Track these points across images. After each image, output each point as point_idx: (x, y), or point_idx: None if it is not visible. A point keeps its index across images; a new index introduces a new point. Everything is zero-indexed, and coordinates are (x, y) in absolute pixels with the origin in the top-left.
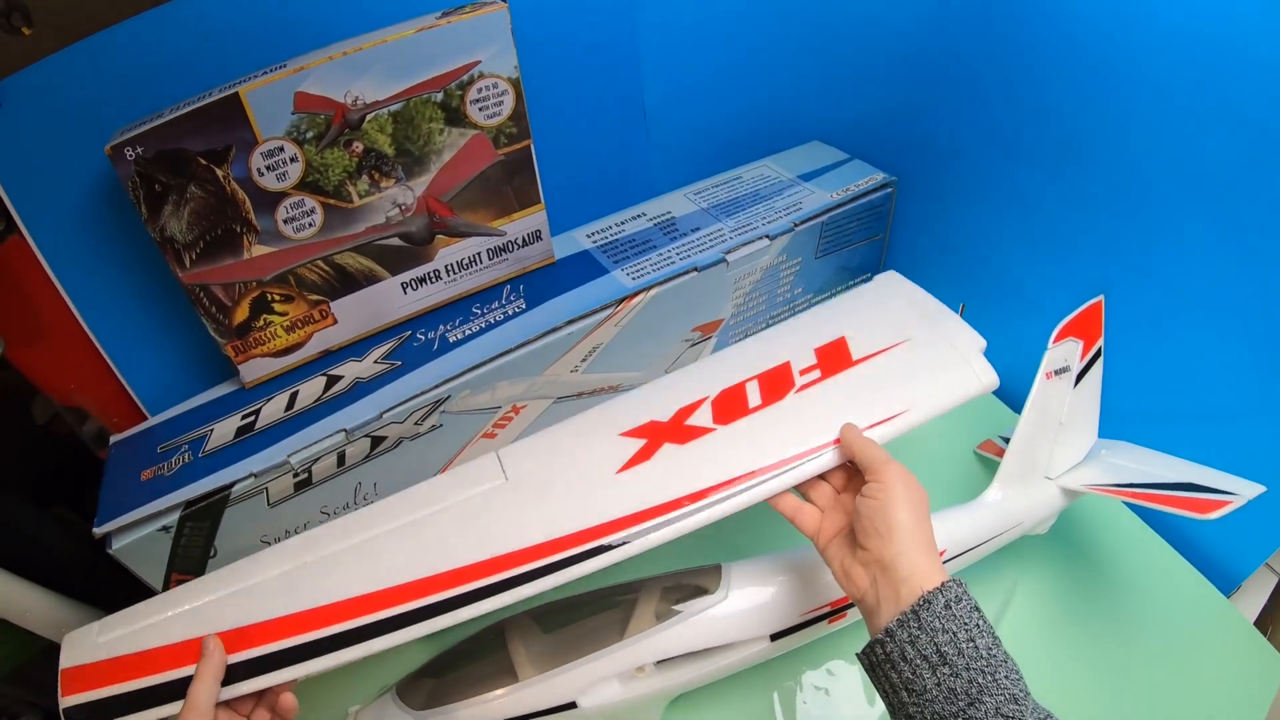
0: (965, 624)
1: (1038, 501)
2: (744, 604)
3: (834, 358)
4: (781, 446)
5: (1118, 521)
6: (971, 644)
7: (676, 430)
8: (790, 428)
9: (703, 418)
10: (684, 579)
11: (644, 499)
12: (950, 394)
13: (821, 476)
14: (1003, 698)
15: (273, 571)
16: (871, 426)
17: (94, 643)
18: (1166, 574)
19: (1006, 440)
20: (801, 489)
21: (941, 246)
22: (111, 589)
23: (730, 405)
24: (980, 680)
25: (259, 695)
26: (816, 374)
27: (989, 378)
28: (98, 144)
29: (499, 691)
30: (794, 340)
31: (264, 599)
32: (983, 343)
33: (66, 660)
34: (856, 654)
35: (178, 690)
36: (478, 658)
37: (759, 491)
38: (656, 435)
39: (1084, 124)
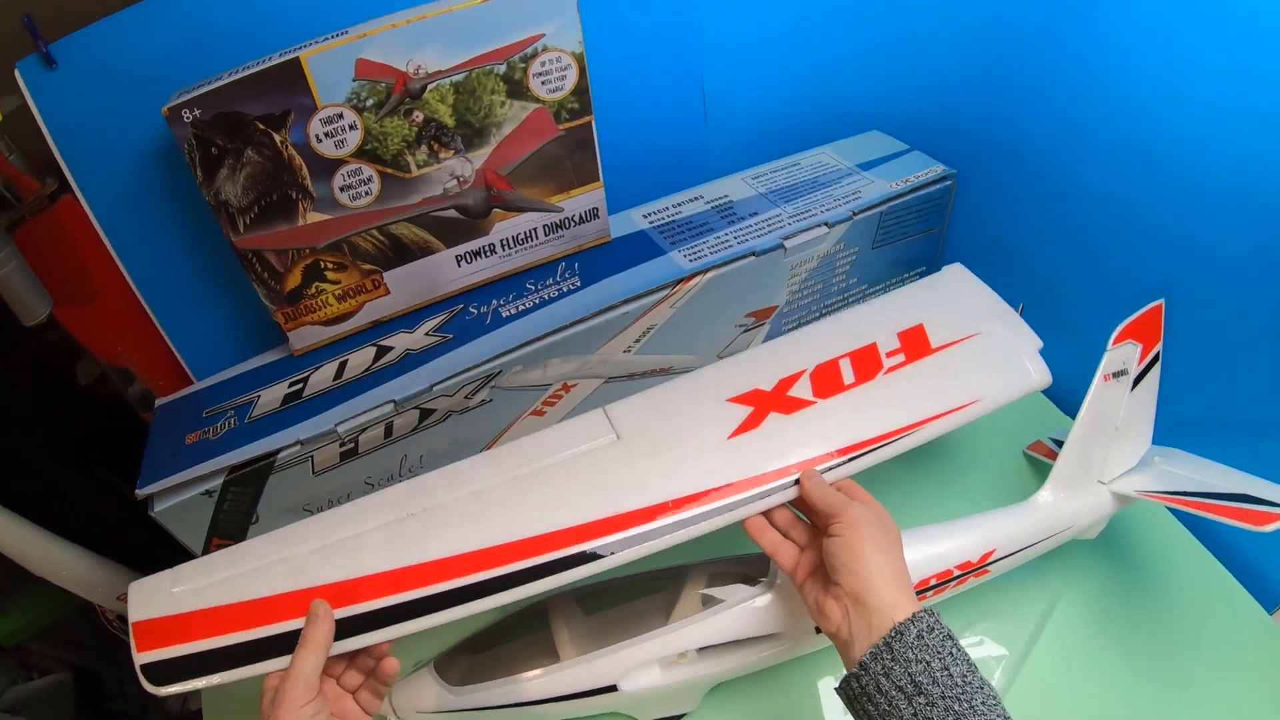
0: (939, 653)
1: (1089, 506)
2: (792, 594)
3: (915, 343)
4: (880, 423)
5: (1164, 531)
6: (946, 672)
7: (781, 400)
8: (886, 406)
9: (803, 390)
10: (731, 566)
11: (757, 465)
12: (1010, 389)
13: (800, 515)
14: None
15: (374, 523)
16: (949, 413)
17: (167, 594)
18: (1211, 587)
19: (1058, 442)
20: (781, 526)
21: (998, 242)
22: (147, 550)
23: (827, 380)
24: (957, 708)
25: (351, 656)
26: (901, 357)
27: (1043, 377)
28: (154, 105)
29: (539, 671)
30: (876, 321)
31: (366, 552)
32: (1039, 343)
33: (137, 613)
34: (835, 688)
35: (267, 649)
36: (519, 636)
37: (864, 462)
38: (762, 404)
39: (1150, 124)
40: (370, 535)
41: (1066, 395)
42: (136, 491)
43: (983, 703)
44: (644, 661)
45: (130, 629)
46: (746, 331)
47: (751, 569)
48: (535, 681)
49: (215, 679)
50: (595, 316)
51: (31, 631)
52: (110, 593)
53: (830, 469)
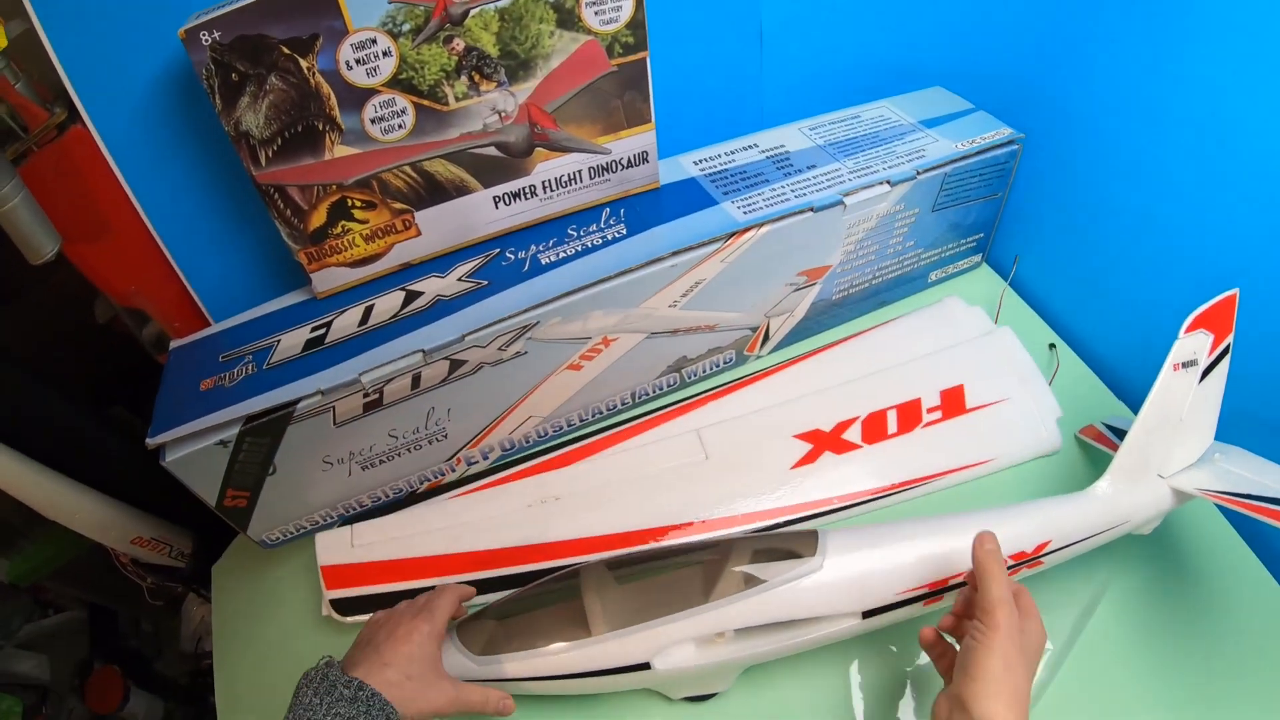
0: None
1: (1147, 500)
2: (840, 575)
3: (953, 402)
4: (908, 472)
5: (1213, 533)
6: None
7: (835, 441)
8: (915, 457)
9: (854, 434)
10: (777, 542)
11: (809, 494)
12: (1023, 452)
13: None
14: None
15: (512, 506)
16: (961, 469)
17: (348, 547)
18: (1258, 595)
19: (1111, 428)
20: (951, 630)
21: (1061, 214)
22: (163, 491)
23: (875, 428)
24: None
25: None
26: (939, 414)
27: (1054, 443)
28: (170, 28)
29: (569, 644)
30: (925, 376)
31: (505, 529)
32: (1060, 412)
33: (324, 559)
34: None
35: None
36: (548, 606)
37: (888, 502)
38: (820, 443)
39: (1233, 100)
40: (509, 516)
41: (1122, 379)
42: (147, 441)
43: None
44: (680, 640)
45: (320, 571)
46: (797, 290)
47: (797, 546)
48: (564, 655)
49: None
50: (642, 268)
51: (47, 571)
52: (123, 535)
53: (861, 503)
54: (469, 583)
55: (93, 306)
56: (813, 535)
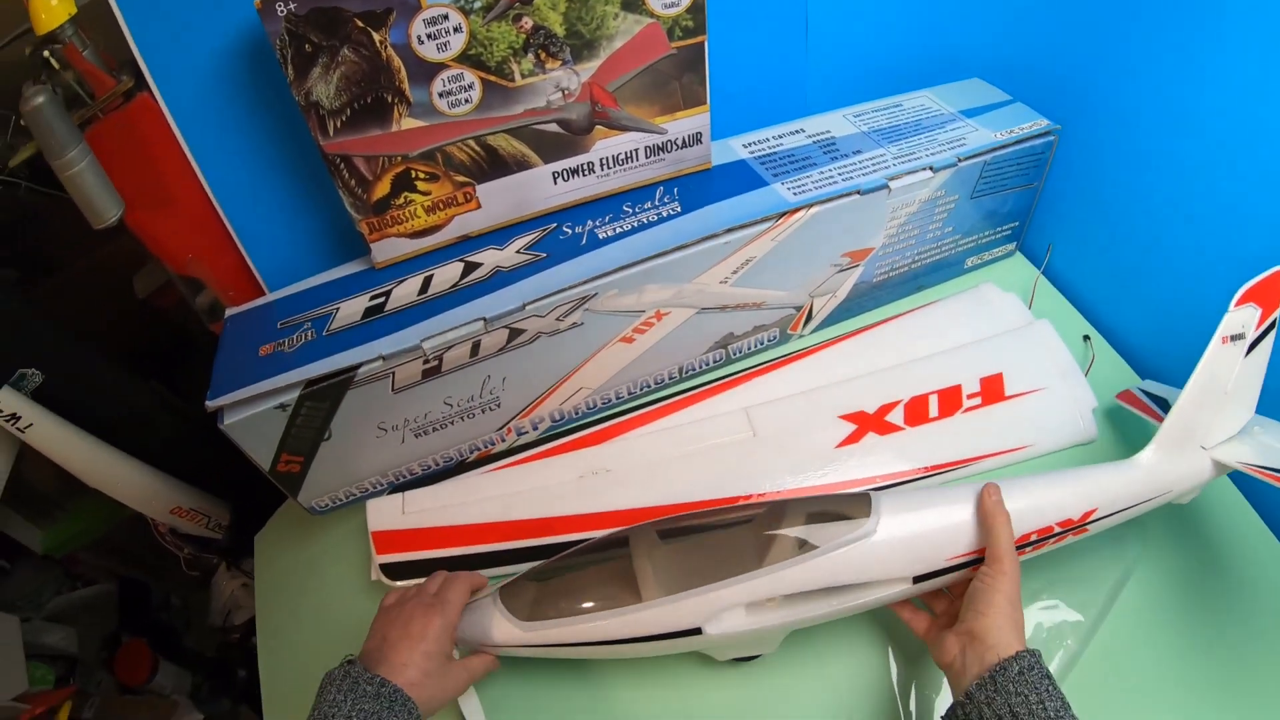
0: (1036, 688)
1: (1189, 471)
2: (894, 539)
3: (993, 389)
4: (948, 454)
5: (1238, 517)
6: (1041, 705)
7: (879, 423)
8: (955, 440)
9: (897, 416)
10: (829, 505)
11: (852, 473)
12: (1060, 440)
13: (942, 590)
14: None
15: (563, 477)
16: (999, 454)
17: (399, 514)
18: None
19: (1148, 395)
20: (925, 600)
21: (1094, 204)
22: (203, 465)
23: (917, 411)
24: None
25: None
26: (979, 400)
27: (1090, 433)
28: None
29: (621, 610)
30: (966, 364)
31: (557, 499)
32: (1095, 403)
33: (374, 524)
34: (940, 718)
35: (477, 563)
36: (597, 571)
37: (927, 483)
38: (865, 423)
39: (1262, 94)
40: (560, 487)
41: (1154, 368)
42: (207, 403)
43: None
44: (732, 605)
45: (370, 536)
46: (841, 271)
47: (849, 509)
48: (615, 620)
49: None
50: (697, 244)
51: (82, 542)
52: (163, 506)
53: (903, 483)
54: (520, 550)
55: (132, 282)
56: (865, 499)
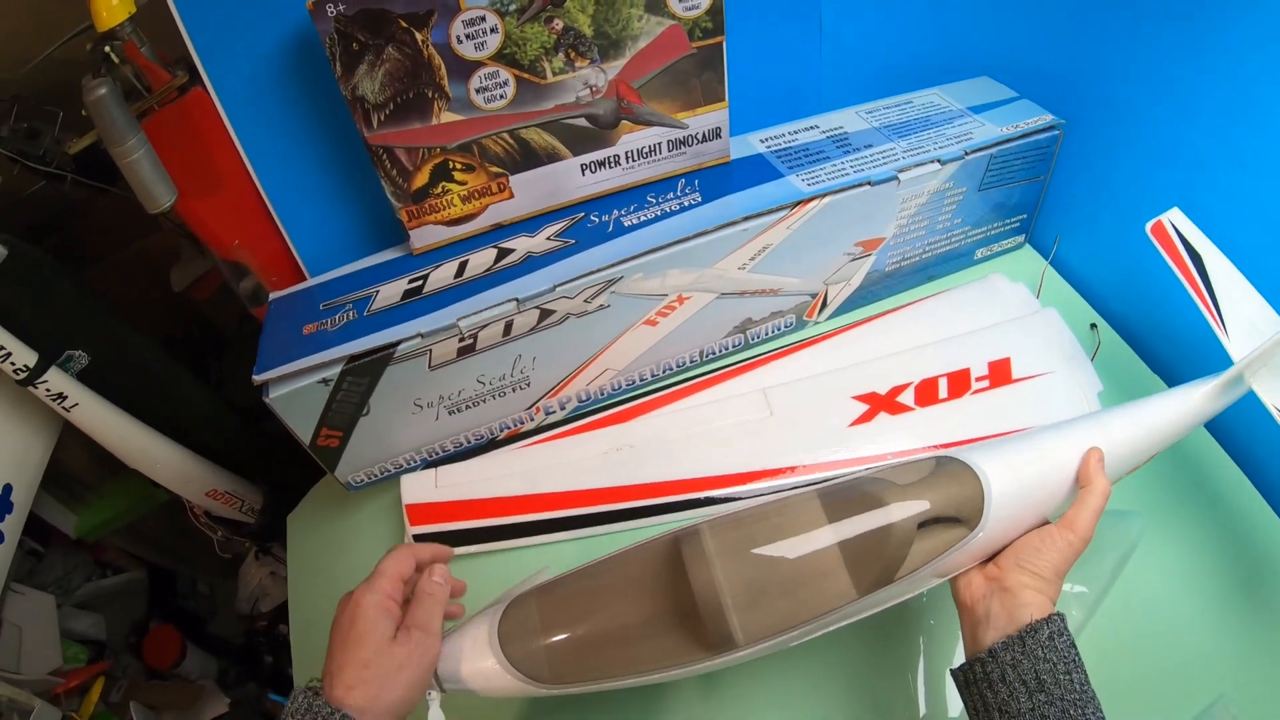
0: (1065, 657)
1: (1232, 399)
2: (998, 530)
3: (1000, 373)
4: (957, 434)
5: (1238, 493)
6: (1068, 676)
7: (890, 404)
8: (965, 421)
9: (908, 398)
10: (935, 500)
11: (863, 450)
12: None
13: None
14: None
15: (589, 452)
16: (1007, 434)
17: (432, 488)
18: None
19: (1181, 235)
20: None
21: (1100, 196)
22: (239, 450)
23: (927, 393)
24: (1072, 712)
25: None
26: (987, 383)
27: None
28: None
29: (686, 663)
30: (975, 349)
31: (583, 473)
32: (1100, 387)
33: (409, 497)
34: (951, 670)
35: (505, 534)
36: (639, 605)
37: None
38: (876, 404)
39: (1264, 85)
40: (586, 461)
41: (1158, 354)
42: (254, 377)
43: (1094, 712)
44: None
45: (404, 509)
46: (854, 260)
47: (959, 505)
48: (675, 672)
49: (465, 550)
50: (717, 230)
51: (112, 528)
52: (200, 488)
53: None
54: (547, 522)
55: (168, 275)
56: (974, 482)
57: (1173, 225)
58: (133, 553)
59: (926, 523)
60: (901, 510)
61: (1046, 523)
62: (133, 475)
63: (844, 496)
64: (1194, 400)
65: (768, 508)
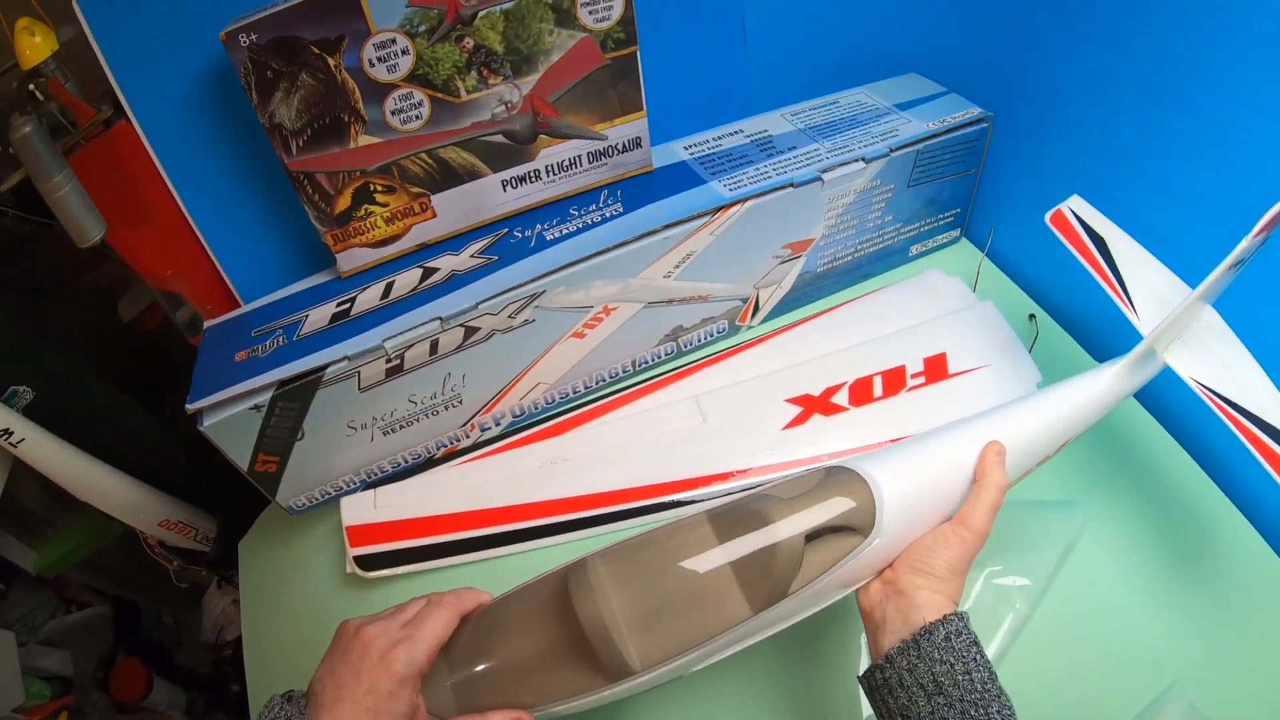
0: (963, 657)
1: (1147, 376)
2: (895, 535)
3: (936, 369)
4: (893, 433)
5: (1186, 477)
6: (967, 676)
7: (824, 405)
8: (901, 419)
9: (842, 398)
10: (823, 515)
11: (799, 453)
12: None
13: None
14: None
15: (527, 466)
16: None
17: (371, 508)
18: (1232, 540)
19: (1080, 219)
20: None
21: (1034, 186)
22: (189, 478)
23: (861, 392)
24: (973, 713)
25: None
26: (922, 379)
27: None
28: (210, 32)
29: (581, 695)
30: (910, 345)
31: (522, 486)
32: (1039, 377)
33: (348, 519)
34: (858, 677)
35: (447, 551)
36: (548, 633)
37: None
38: (810, 406)
39: (1188, 72)
40: (523, 476)
41: (1097, 341)
42: (187, 406)
43: (998, 711)
44: (723, 653)
45: (344, 531)
46: (784, 263)
47: (848, 515)
48: (576, 702)
49: (406, 569)
50: (637, 240)
51: (72, 562)
52: (152, 519)
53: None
54: (487, 537)
55: (117, 306)
56: (862, 490)
57: (1073, 212)
58: (95, 587)
59: (818, 534)
60: (788, 525)
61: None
62: (88, 508)
63: (731, 515)
64: (1103, 382)
65: (657, 533)
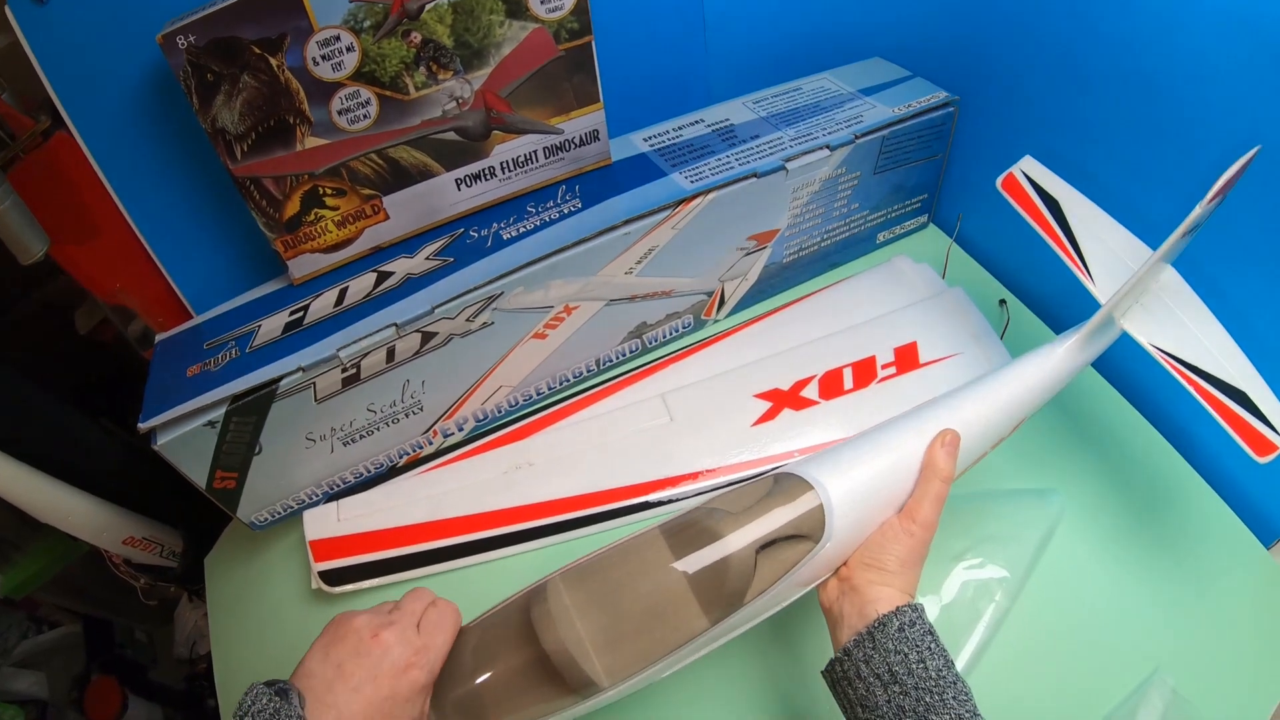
0: (917, 646)
1: (1105, 344)
2: (846, 536)
3: (907, 358)
4: (864, 424)
5: (1165, 463)
6: (921, 665)
7: (794, 399)
8: (872, 411)
9: (811, 391)
10: (772, 522)
11: (769, 449)
12: None
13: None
14: (949, 717)
15: (490, 473)
16: None
17: (334, 521)
18: (1211, 523)
19: (1031, 180)
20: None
21: (1001, 170)
22: (152, 494)
23: (832, 385)
24: (928, 699)
25: None
26: (894, 370)
27: None
28: (147, 36)
29: (566, 713)
30: (880, 336)
31: (487, 493)
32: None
33: (311, 533)
34: (820, 671)
35: (412, 563)
36: (519, 654)
37: None
38: (779, 401)
39: (1155, 56)
40: (488, 482)
41: (1065, 317)
42: (139, 425)
43: (954, 697)
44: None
45: (308, 545)
46: (748, 255)
47: (798, 523)
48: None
49: (372, 582)
50: (596, 237)
51: (40, 582)
52: (115, 537)
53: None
54: (453, 548)
55: (73, 318)
56: (810, 496)
57: (1025, 174)
58: (65, 606)
59: (770, 543)
60: (739, 538)
61: None
62: (52, 528)
63: (685, 533)
64: (1057, 357)
65: (613, 552)
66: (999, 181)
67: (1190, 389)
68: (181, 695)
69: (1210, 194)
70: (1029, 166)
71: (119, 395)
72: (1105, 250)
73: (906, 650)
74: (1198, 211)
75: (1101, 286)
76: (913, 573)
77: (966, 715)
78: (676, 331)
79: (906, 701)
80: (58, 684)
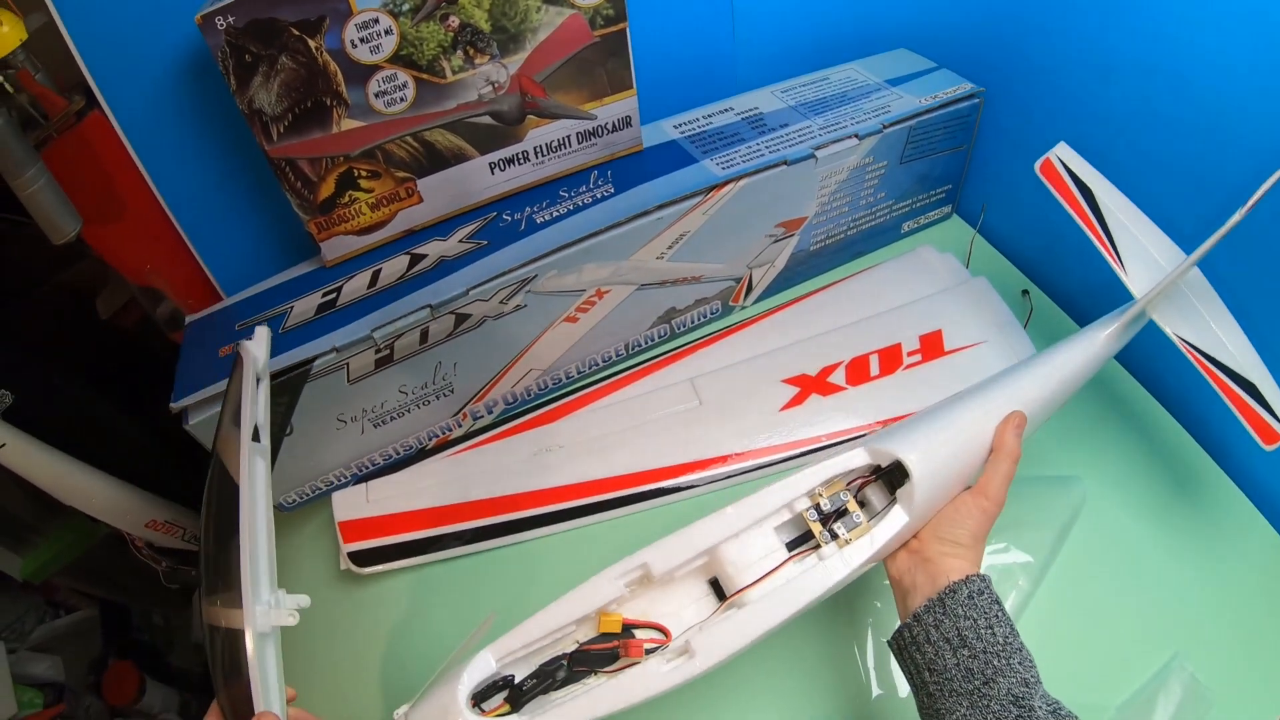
0: (985, 613)
1: (1132, 333)
2: (925, 513)
3: (932, 346)
4: (890, 411)
5: (1183, 453)
6: (990, 630)
7: (821, 384)
8: (897, 397)
9: (839, 377)
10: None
11: (797, 434)
12: None
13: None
14: (1015, 680)
15: (519, 455)
16: None
17: (364, 503)
18: (1227, 510)
19: (1069, 170)
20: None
21: (1025, 162)
22: (175, 477)
23: (859, 371)
24: (996, 663)
25: None
26: (919, 357)
27: None
28: (185, 16)
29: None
30: (905, 324)
31: (515, 476)
32: (1034, 351)
33: (341, 515)
34: (886, 640)
35: (441, 544)
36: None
37: None
38: (807, 386)
39: (1182, 48)
40: (515, 465)
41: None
42: (170, 405)
43: (1020, 663)
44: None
45: (337, 526)
46: (776, 242)
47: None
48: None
49: (401, 563)
50: (630, 221)
51: (59, 566)
52: (139, 520)
53: (848, 440)
54: (480, 529)
55: (94, 303)
56: (909, 486)
57: (1060, 160)
58: (83, 590)
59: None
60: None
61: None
62: (73, 512)
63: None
64: (1099, 343)
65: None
66: (1037, 165)
67: (1207, 377)
68: (199, 680)
69: (1250, 202)
70: (1064, 153)
71: (138, 380)
72: (1134, 241)
73: (976, 616)
74: (1236, 218)
75: (1134, 277)
76: (981, 547)
77: (1031, 680)
78: (705, 317)
79: (975, 664)
80: (75, 668)
